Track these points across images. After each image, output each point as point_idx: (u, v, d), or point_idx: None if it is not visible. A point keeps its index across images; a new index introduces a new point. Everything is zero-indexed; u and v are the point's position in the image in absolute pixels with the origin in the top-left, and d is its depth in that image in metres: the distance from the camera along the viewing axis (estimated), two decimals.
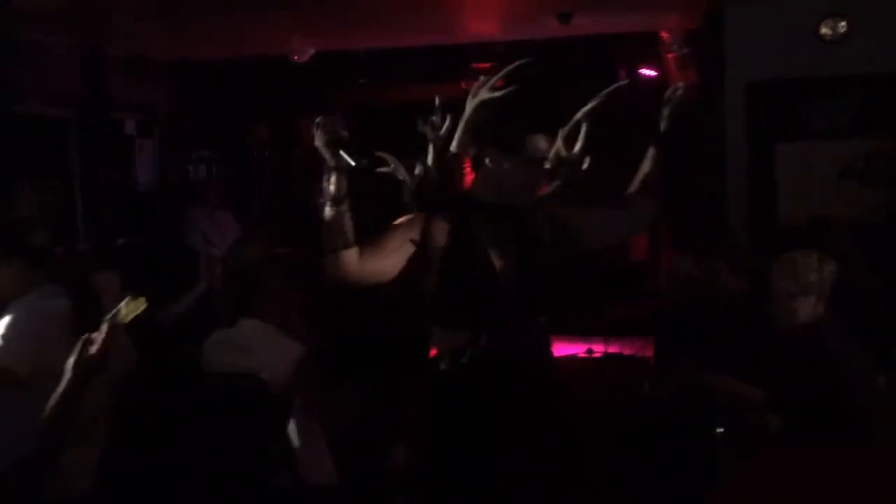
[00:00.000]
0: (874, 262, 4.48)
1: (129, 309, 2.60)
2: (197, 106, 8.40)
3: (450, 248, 2.67)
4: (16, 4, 5.40)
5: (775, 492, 2.13)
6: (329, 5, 6.08)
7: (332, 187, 2.55)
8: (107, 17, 6.15)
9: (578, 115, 2.76)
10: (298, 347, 3.42)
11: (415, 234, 2.67)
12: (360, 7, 6.13)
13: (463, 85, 6.96)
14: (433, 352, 2.82)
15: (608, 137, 3.15)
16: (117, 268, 3.97)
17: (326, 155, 2.54)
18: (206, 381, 3.47)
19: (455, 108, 2.79)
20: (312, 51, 7.49)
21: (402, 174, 2.80)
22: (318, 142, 2.54)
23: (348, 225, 2.56)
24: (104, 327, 2.53)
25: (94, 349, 2.50)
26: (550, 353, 2.90)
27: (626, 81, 3.44)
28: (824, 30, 5.62)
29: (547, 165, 2.74)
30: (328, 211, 2.56)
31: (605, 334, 7.60)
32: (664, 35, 7.61)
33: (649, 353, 5.11)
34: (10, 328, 3.04)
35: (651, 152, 2.95)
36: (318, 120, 2.54)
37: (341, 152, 2.52)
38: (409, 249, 2.66)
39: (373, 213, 2.72)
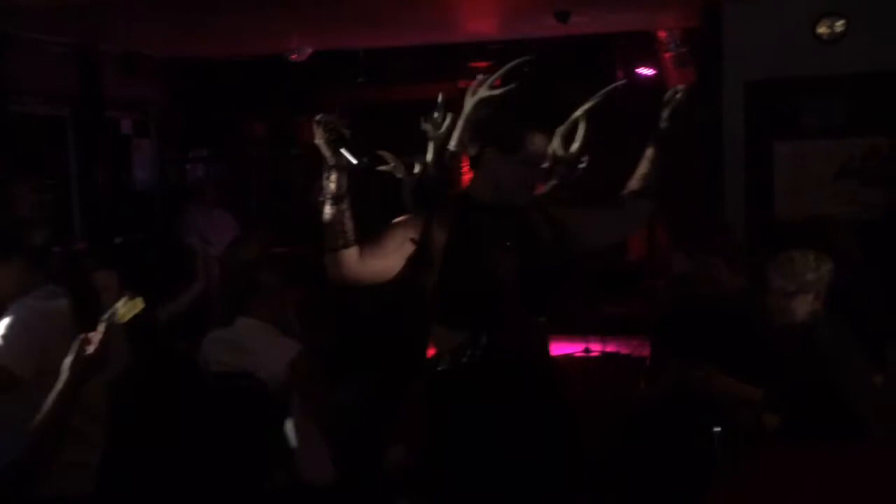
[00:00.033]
0: (871, 260, 4.49)
1: (126, 308, 2.59)
2: (194, 105, 8.40)
3: (449, 247, 2.66)
4: (11, 3, 5.39)
5: (773, 491, 2.13)
6: (327, 4, 6.08)
7: (332, 185, 2.53)
8: (103, 16, 6.14)
9: (576, 114, 2.76)
10: (296, 346, 3.42)
11: (414, 233, 2.66)
12: (358, 6, 6.13)
13: (461, 84, 6.95)
14: (431, 351, 2.82)
15: (605, 137, 3.15)
16: (114, 267, 3.97)
17: (327, 153, 2.52)
18: (203, 380, 3.47)
19: (452, 107, 2.77)
20: (310, 50, 7.49)
21: (401, 172, 2.79)
22: (319, 139, 2.52)
23: (349, 224, 2.55)
24: (101, 327, 2.52)
25: (90, 349, 2.49)
26: (548, 352, 2.90)
27: (623, 81, 3.42)
28: (821, 29, 5.62)
29: (545, 164, 2.73)
30: (328, 209, 2.54)
31: (603, 333, 7.60)
32: (662, 34, 7.61)
33: (646, 351, 5.10)
34: (11, 328, 3.04)
35: (649, 153, 2.94)
36: (318, 117, 2.52)
37: (342, 150, 2.50)
38: (409, 249, 2.65)
39: (371, 211, 2.71)
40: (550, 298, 2.79)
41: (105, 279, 3.54)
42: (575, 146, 2.75)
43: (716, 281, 3.93)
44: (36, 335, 3.02)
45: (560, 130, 2.72)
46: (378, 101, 9.21)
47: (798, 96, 5.71)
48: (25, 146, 6.59)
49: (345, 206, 2.54)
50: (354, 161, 2.49)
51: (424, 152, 2.75)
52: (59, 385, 2.49)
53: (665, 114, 2.90)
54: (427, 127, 2.71)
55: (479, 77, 2.73)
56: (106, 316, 2.55)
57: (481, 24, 7.23)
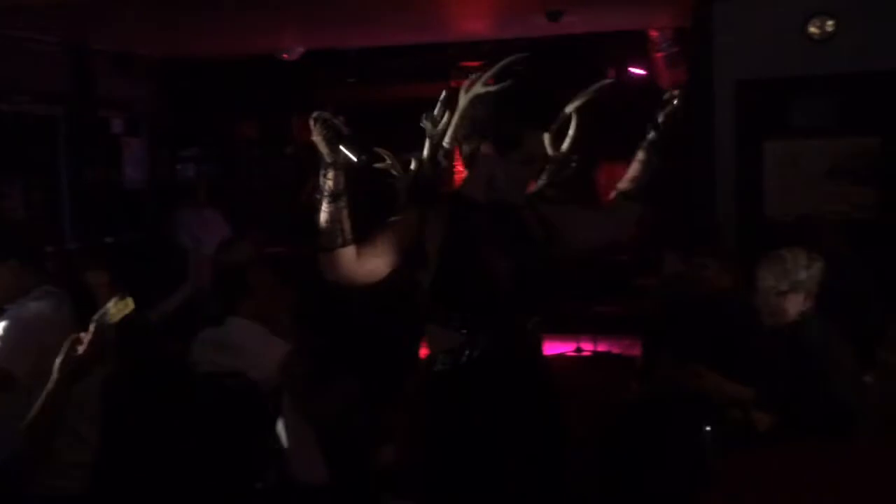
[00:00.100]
0: (861, 259, 4.50)
1: (116, 309, 2.58)
2: (185, 104, 8.37)
3: (445, 247, 2.64)
4: (2, 1, 5.37)
5: (764, 491, 2.13)
6: (319, 4, 6.07)
7: (329, 183, 2.47)
8: (94, 15, 6.13)
9: (565, 111, 2.75)
10: (287, 346, 3.41)
11: (410, 232, 2.65)
12: (350, 6, 6.12)
13: (453, 83, 6.95)
14: (424, 352, 2.80)
15: (596, 136, 3.14)
16: (106, 267, 3.96)
17: (325, 150, 2.45)
18: (193, 380, 3.46)
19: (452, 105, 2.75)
20: (302, 49, 7.48)
21: (397, 170, 2.78)
22: (316, 136, 2.45)
23: (346, 222, 2.50)
24: (91, 328, 2.52)
25: (80, 350, 2.49)
26: (542, 351, 2.90)
27: (611, 80, 3.41)
28: (812, 28, 5.64)
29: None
30: (326, 207, 2.48)
31: (595, 332, 7.61)
32: (653, 34, 7.62)
33: (638, 351, 5.12)
34: (9, 330, 3.04)
35: (640, 155, 2.94)
36: (315, 114, 2.46)
37: (341, 147, 2.44)
38: (405, 248, 2.63)
39: (363, 210, 2.69)
40: (544, 298, 2.79)
41: (97, 279, 3.53)
42: (565, 145, 2.75)
43: (707, 281, 3.94)
44: (34, 336, 3.02)
45: (550, 129, 2.71)
46: (370, 101, 9.20)
47: (789, 96, 5.72)
48: (16, 145, 6.58)
49: (343, 204, 2.49)
50: (355, 158, 2.45)
51: (422, 149, 2.73)
52: (50, 385, 2.49)
53: (660, 118, 2.90)
54: (426, 124, 2.69)
55: (472, 76, 2.72)
56: (97, 316, 2.55)
57: (473, 24, 7.23)
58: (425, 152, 2.71)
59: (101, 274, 3.83)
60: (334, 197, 2.48)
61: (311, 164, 2.54)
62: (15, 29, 6.26)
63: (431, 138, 2.69)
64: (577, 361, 7.42)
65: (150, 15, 6.26)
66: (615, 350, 7.55)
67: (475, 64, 7.63)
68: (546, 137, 2.70)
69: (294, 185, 8.66)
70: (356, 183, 2.57)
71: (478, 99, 2.66)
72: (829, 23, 5.60)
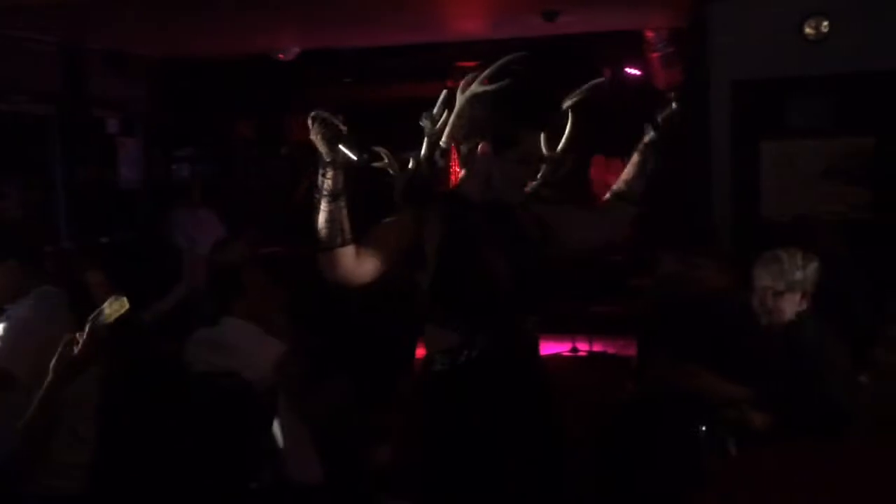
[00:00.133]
0: (857, 260, 4.50)
1: (112, 309, 2.58)
2: (180, 104, 8.36)
3: (442, 247, 2.64)
4: (1, 2, 5.37)
5: (758, 490, 2.13)
6: (315, 4, 6.06)
7: (328, 182, 2.46)
8: (89, 14, 6.11)
9: (560, 108, 2.75)
10: (282, 346, 3.41)
11: (407, 232, 2.64)
12: (346, 6, 6.12)
13: (449, 83, 6.94)
14: (421, 352, 2.80)
15: (592, 136, 3.15)
16: (101, 267, 3.96)
17: (323, 149, 2.44)
18: (188, 380, 3.45)
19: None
20: (298, 49, 7.47)
21: (394, 169, 2.77)
22: (315, 135, 2.44)
23: (346, 222, 2.48)
24: (87, 328, 2.51)
25: (75, 350, 2.48)
26: (539, 351, 2.90)
27: (605, 79, 3.42)
28: (808, 29, 5.64)
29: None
30: (325, 207, 2.47)
31: (590, 332, 7.61)
32: (649, 34, 7.62)
33: (633, 351, 5.11)
34: (9, 330, 3.04)
35: (635, 158, 2.94)
36: (314, 113, 2.45)
37: (341, 146, 2.43)
38: (403, 248, 2.63)
39: (359, 209, 2.68)
40: (542, 298, 2.79)
41: (93, 279, 3.53)
42: (560, 145, 2.75)
43: (702, 281, 3.94)
44: (33, 336, 3.01)
45: (545, 129, 2.71)
46: (366, 101, 9.19)
47: (784, 96, 5.73)
48: (10, 145, 6.56)
49: (342, 203, 2.47)
50: (354, 157, 2.44)
51: (419, 148, 2.72)
52: (45, 385, 2.49)
53: (658, 121, 2.90)
54: (425, 123, 2.69)
55: (469, 75, 2.71)
56: (92, 316, 2.55)
57: (470, 24, 7.23)
58: (423, 151, 2.71)
59: (97, 274, 3.83)
60: (333, 196, 2.47)
61: (306, 163, 2.53)
62: (8, 28, 6.25)
63: (429, 137, 2.68)
64: (573, 361, 7.43)
65: (148, 15, 6.25)
66: (611, 350, 7.55)
67: (472, 64, 7.61)
68: (540, 136, 2.70)
69: (289, 185, 8.66)
70: (355, 182, 2.56)
71: (475, 98, 2.65)
72: (825, 23, 5.61)
